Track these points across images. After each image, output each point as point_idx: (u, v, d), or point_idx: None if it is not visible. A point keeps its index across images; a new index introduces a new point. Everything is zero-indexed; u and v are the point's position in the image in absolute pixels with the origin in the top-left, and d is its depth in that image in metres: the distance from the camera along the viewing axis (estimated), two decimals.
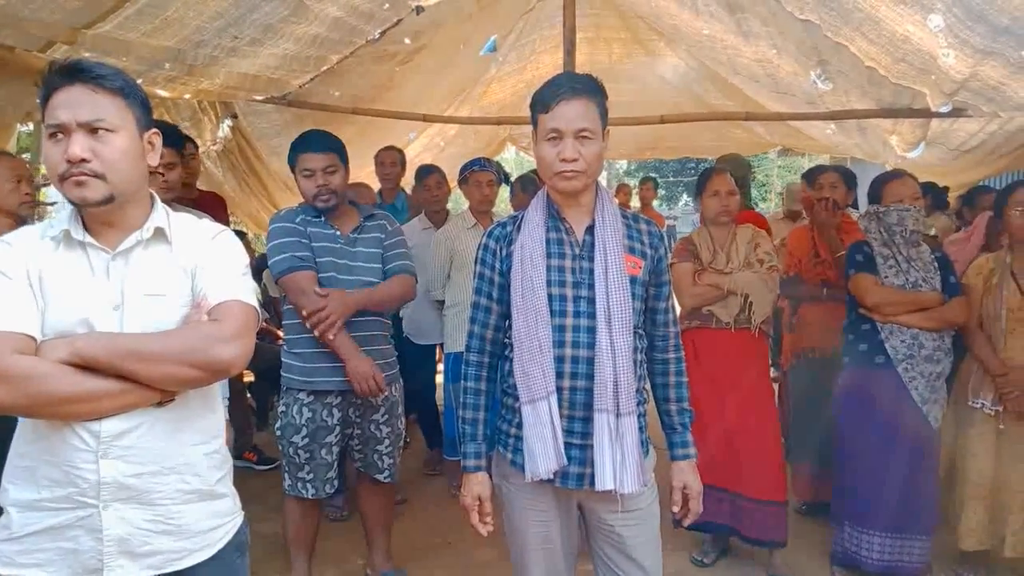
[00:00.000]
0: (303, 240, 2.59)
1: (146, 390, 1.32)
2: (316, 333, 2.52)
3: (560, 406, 1.69)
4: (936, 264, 2.89)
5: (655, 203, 9.10)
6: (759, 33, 3.88)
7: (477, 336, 1.84)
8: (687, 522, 1.89)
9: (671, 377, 1.89)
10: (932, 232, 4.64)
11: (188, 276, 1.42)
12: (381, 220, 2.80)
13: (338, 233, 2.67)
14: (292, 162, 2.68)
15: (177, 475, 1.39)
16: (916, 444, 2.85)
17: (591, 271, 1.71)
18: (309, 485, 2.67)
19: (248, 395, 4.84)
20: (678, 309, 3.16)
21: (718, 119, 4.93)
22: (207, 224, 1.54)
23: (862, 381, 2.91)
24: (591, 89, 1.72)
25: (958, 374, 2.98)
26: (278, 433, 2.69)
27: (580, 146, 1.67)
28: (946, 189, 5.92)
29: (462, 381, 1.87)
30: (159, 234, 1.43)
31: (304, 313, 2.51)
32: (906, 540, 2.89)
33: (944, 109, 3.50)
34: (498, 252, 1.80)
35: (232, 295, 1.41)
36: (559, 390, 1.69)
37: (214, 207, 3.53)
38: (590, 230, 1.75)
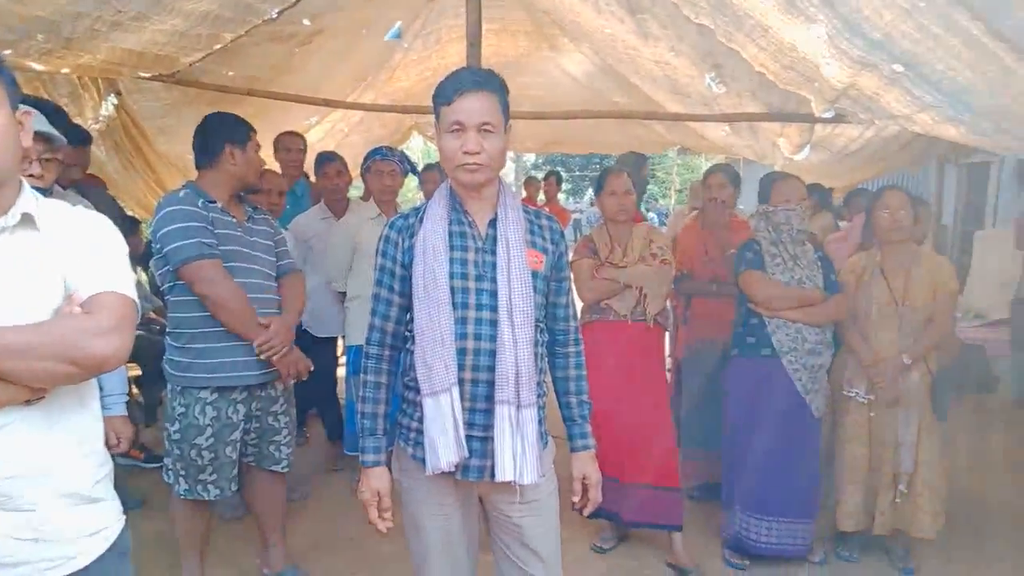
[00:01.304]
0: (208, 226, 2.45)
1: (13, 387, 1.22)
2: (262, 357, 2.52)
3: (462, 398, 1.69)
4: (819, 262, 3.08)
5: (561, 197, 9.24)
6: (658, 35, 3.99)
7: (377, 328, 1.82)
8: (587, 511, 1.93)
9: (571, 371, 1.92)
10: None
11: (58, 266, 1.32)
12: (264, 214, 2.74)
13: (235, 221, 2.57)
14: None
15: (49, 478, 1.29)
16: (800, 432, 3.04)
17: (493, 264, 1.72)
18: (211, 486, 2.56)
19: (134, 390, 4.58)
20: (579, 304, 3.25)
21: (620, 117, 5.05)
22: (81, 211, 1.43)
23: (750, 372, 3.07)
24: (493, 84, 1.72)
25: (834, 366, 3.18)
26: (176, 436, 2.51)
27: (483, 139, 1.67)
28: (830, 190, 6.31)
29: (361, 375, 1.84)
30: (27, 220, 1.32)
31: (257, 346, 2.49)
32: (791, 524, 3.07)
33: (827, 115, 3.70)
34: (400, 244, 1.78)
35: (108, 286, 1.32)
36: (461, 382, 1.69)
37: (93, 189, 3.30)
38: (492, 224, 1.76)
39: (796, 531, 3.07)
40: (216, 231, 2.47)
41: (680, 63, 4.28)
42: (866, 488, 3.11)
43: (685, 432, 3.77)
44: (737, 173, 4.03)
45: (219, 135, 2.56)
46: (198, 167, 2.61)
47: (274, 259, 2.68)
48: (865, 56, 2.82)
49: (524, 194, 8.62)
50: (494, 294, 1.70)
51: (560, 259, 1.84)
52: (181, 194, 2.52)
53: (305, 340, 3.81)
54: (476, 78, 1.71)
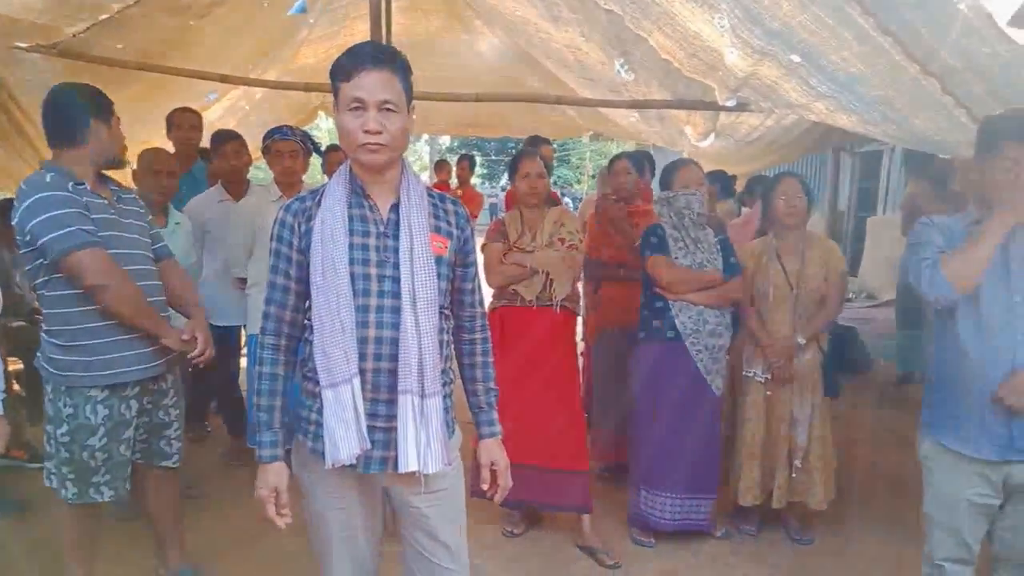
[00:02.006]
0: (84, 212, 2.25)
1: None
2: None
3: (363, 389, 1.63)
4: (719, 246, 3.17)
5: (475, 180, 9.19)
6: (568, 20, 3.99)
7: (274, 317, 1.73)
8: (497, 498, 1.92)
9: (478, 357, 1.90)
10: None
11: None
12: (129, 193, 2.56)
13: (107, 203, 2.39)
14: None
15: None
16: (702, 412, 3.13)
17: (396, 250, 1.66)
18: (105, 488, 2.40)
19: (16, 386, 4.26)
20: (488, 289, 3.23)
21: (531, 100, 5.04)
22: None
23: (655, 354, 3.14)
24: (395, 62, 1.66)
25: (734, 347, 3.29)
26: (64, 439, 2.33)
27: (384, 119, 1.60)
28: (734, 177, 6.52)
29: (257, 366, 1.75)
30: None
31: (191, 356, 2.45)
32: (694, 500, 3.17)
33: (730, 103, 3.79)
34: (296, 228, 1.69)
35: None
36: (362, 372, 1.63)
37: None
38: (395, 208, 1.70)
39: (699, 507, 3.17)
40: (92, 216, 2.29)
41: (590, 48, 4.30)
42: (764, 464, 3.24)
43: (595, 415, 3.84)
44: (643, 160, 4.09)
45: (82, 109, 2.35)
46: (55, 145, 2.37)
47: (150, 242, 2.53)
48: (765, 46, 2.89)
49: (436, 177, 8.52)
50: (396, 280, 1.64)
51: (466, 244, 1.81)
52: (48, 178, 2.27)
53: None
54: (377, 54, 1.64)
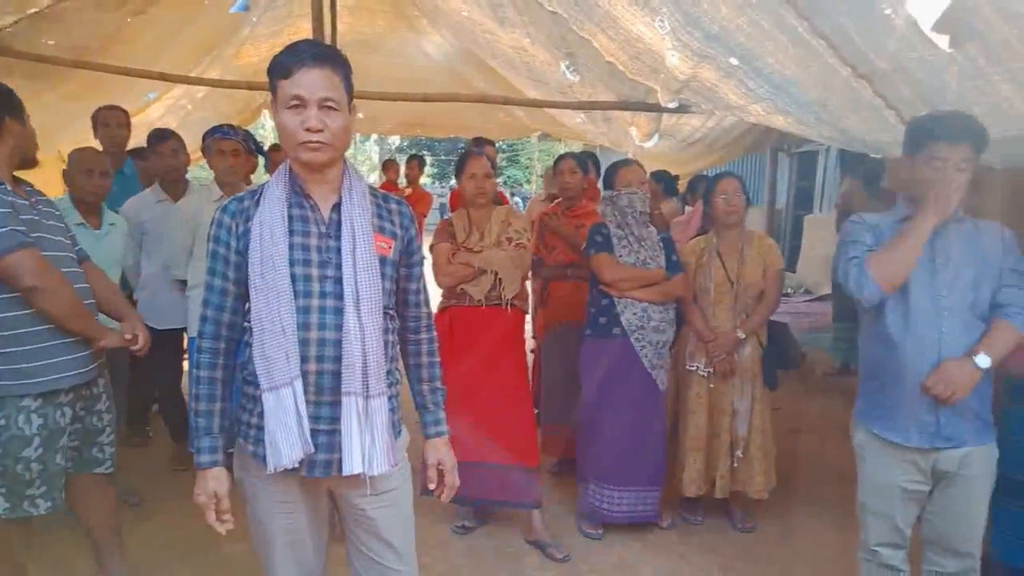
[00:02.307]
0: (12, 212, 2.16)
1: None
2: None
3: (306, 391, 1.62)
4: (661, 244, 3.24)
5: (425, 180, 9.14)
6: (515, 21, 4.01)
7: (211, 320, 1.70)
8: (444, 498, 1.92)
9: (424, 357, 1.90)
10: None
11: None
12: (40, 194, 2.47)
13: (29, 204, 2.30)
14: None
15: None
16: (647, 406, 3.19)
17: (338, 250, 1.64)
18: (41, 500, 2.30)
19: None
20: (437, 290, 3.22)
21: (478, 101, 5.04)
22: None
23: (601, 351, 3.19)
24: (335, 59, 1.64)
25: (677, 342, 3.37)
26: None
27: (325, 116, 1.59)
28: (676, 177, 6.64)
29: (194, 370, 1.71)
30: None
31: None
32: (641, 492, 3.23)
33: (672, 105, 3.87)
34: (234, 229, 1.66)
35: None
36: (304, 375, 1.61)
37: None
38: (337, 207, 1.68)
39: (646, 499, 3.23)
40: (21, 216, 2.20)
41: (536, 50, 4.33)
42: (707, 455, 3.33)
43: (546, 411, 3.87)
44: (586, 160, 4.14)
45: None
46: None
47: (71, 243, 2.45)
48: (704, 49, 2.96)
49: (384, 177, 8.45)
50: (339, 281, 1.63)
51: (410, 244, 1.80)
52: None
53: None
54: (317, 52, 1.62)
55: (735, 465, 3.27)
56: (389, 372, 1.73)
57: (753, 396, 3.26)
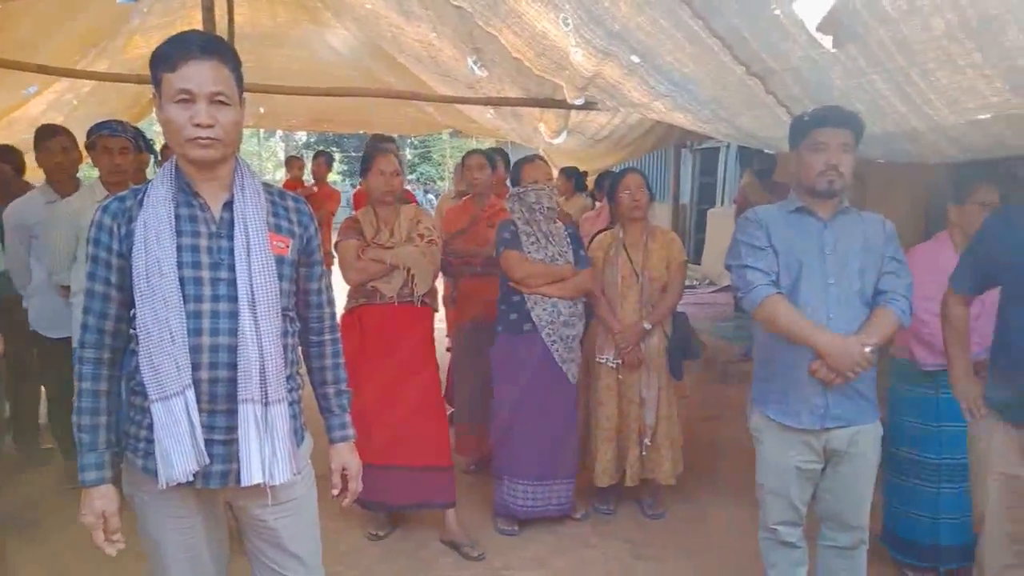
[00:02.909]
0: None
1: None
2: None
3: (199, 400, 1.53)
4: (569, 239, 3.27)
5: (335, 178, 8.93)
6: (420, 15, 3.96)
7: (93, 328, 1.59)
8: (346, 503, 1.87)
9: (327, 360, 1.84)
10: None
11: None
12: None
13: None
14: None
15: None
16: (559, 400, 3.22)
17: (230, 251, 1.57)
18: None
19: None
20: (345, 288, 3.15)
21: (384, 96, 4.96)
22: None
23: (513, 346, 3.20)
24: (224, 51, 1.57)
25: (586, 335, 3.41)
26: None
27: (216, 111, 1.51)
28: (585, 173, 6.75)
29: (76, 382, 1.60)
30: None
31: None
32: (555, 486, 3.26)
33: (578, 102, 3.92)
34: (115, 230, 1.56)
35: None
36: (197, 383, 1.53)
37: None
38: (228, 206, 1.60)
39: (560, 492, 3.27)
40: None
41: (443, 44, 4.29)
42: (617, 445, 3.39)
43: (459, 410, 3.85)
44: (495, 156, 4.14)
45: None
46: None
47: None
48: (607, 46, 3.00)
49: (288, 174, 8.21)
50: (232, 283, 1.55)
51: (310, 243, 1.74)
52: None
53: (38, 343, 3.32)
54: (205, 43, 1.54)
55: (644, 453, 3.35)
56: (290, 377, 1.67)
57: (659, 385, 3.34)
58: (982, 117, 2.23)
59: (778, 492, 2.34)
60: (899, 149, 2.75)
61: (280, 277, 1.61)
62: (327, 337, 1.83)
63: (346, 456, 1.84)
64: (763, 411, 2.32)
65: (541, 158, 3.39)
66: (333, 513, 2.95)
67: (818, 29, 2.16)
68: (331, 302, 1.85)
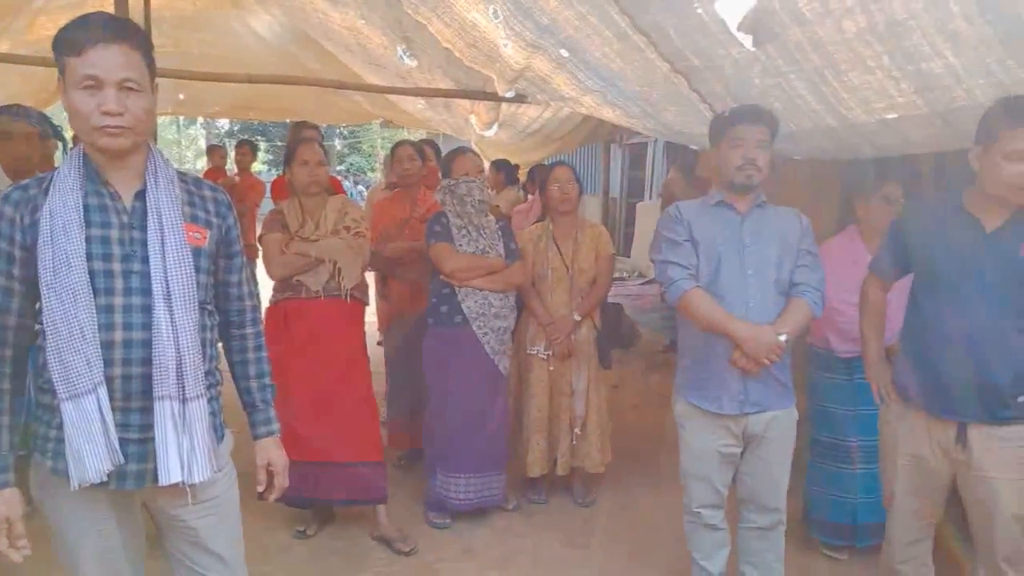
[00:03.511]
0: None
1: None
2: None
3: (112, 398, 1.47)
4: (500, 232, 3.28)
5: (260, 167, 8.66)
6: (347, 1, 3.88)
7: None
8: (272, 498, 1.82)
9: (250, 353, 1.79)
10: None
11: None
12: None
13: None
14: None
15: None
16: (491, 392, 3.23)
17: (144, 242, 1.50)
18: None
19: None
20: (269, 281, 3.07)
21: (309, 84, 4.83)
22: None
23: (444, 340, 3.18)
24: (134, 34, 1.50)
25: (518, 327, 3.43)
26: None
27: (125, 98, 1.45)
28: (517, 166, 6.77)
29: None
30: None
31: None
32: (486, 477, 3.27)
33: (509, 94, 3.92)
34: (18, 221, 1.47)
35: None
36: (109, 380, 1.47)
37: None
38: (141, 195, 1.54)
39: (491, 483, 3.28)
40: None
41: (371, 32, 4.21)
42: (549, 435, 3.43)
43: (391, 403, 3.81)
44: (424, 147, 4.11)
45: None
46: None
47: None
48: (536, 39, 3.01)
49: (209, 163, 7.92)
50: (146, 276, 1.49)
51: (229, 233, 1.69)
52: None
53: None
54: (113, 26, 1.47)
55: (574, 443, 3.40)
56: (209, 372, 1.62)
57: (589, 376, 3.40)
58: (890, 117, 2.35)
59: (701, 476, 2.42)
60: (816, 146, 2.86)
61: (197, 269, 1.56)
62: (248, 331, 1.78)
63: (271, 452, 1.79)
64: (686, 398, 2.40)
65: (473, 151, 3.38)
66: (260, 512, 2.88)
67: (738, 28, 2.23)
68: (252, 295, 1.80)
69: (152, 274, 1.49)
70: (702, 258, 2.30)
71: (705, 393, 2.34)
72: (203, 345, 1.58)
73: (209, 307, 1.65)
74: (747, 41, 2.28)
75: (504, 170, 6.58)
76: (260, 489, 1.80)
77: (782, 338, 2.18)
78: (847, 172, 3.28)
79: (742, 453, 2.39)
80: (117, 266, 1.48)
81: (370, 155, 25.41)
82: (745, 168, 2.25)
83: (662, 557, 3.00)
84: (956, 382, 2.04)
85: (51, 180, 1.50)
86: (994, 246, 1.98)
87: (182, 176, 1.64)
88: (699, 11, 2.33)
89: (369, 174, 25.18)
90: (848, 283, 2.59)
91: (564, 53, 3.00)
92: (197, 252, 1.57)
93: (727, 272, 2.27)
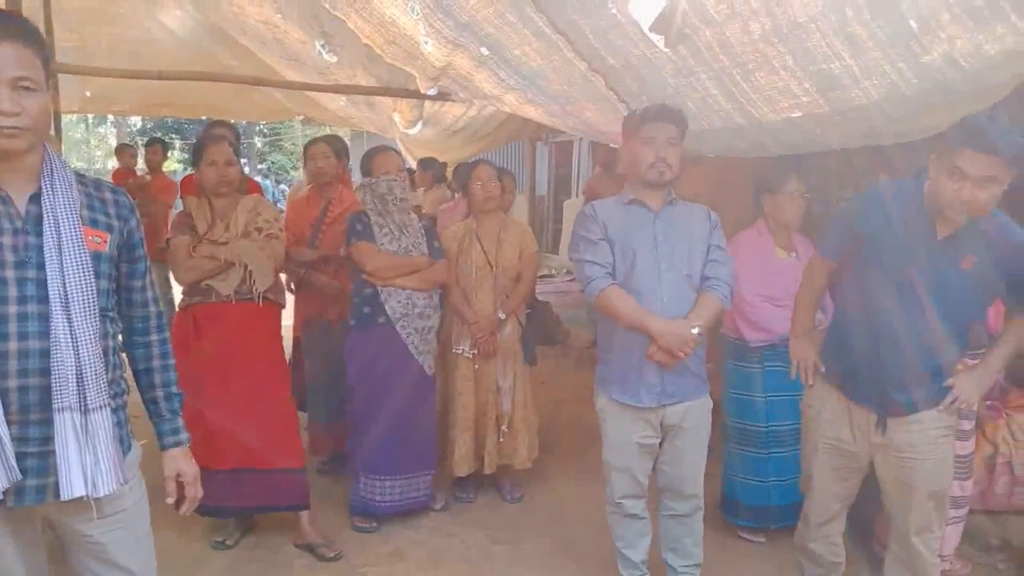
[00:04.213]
0: None
1: None
2: None
3: (7, 411, 1.39)
4: (423, 231, 3.26)
5: (176, 167, 8.33)
6: None
7: None
8: (183, 510, 1.76)
9: (155, 361, 1.72)
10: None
11: None
12: None
13: None
14: None
15: None
16: (416, 392, 3.21)
17: (39, 248, 1.43)
18: None
19: None
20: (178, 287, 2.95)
21: (224, 80, 4.68)
22: None
23: (367, 341, 3.13)
24: (26, 31, 1.43)
25: (442, 326, 3.42)
26: None
27: (21, 98, 1.37)
28: (444, 164, 6.74)
29: None
30: None
31: None
32: (412, 478, 3.24)
33: (431, 92, 3.89)
34: None
35: None
36: (5, 392, 1.39)
37: None
38: (36, 199, 1.46)
39: (418, 484, 3.26)
40: None
41: (288, 27, 4.11)
42: (475, 434, 3.43)
43: (310, 408, 3.72)
44: (345, 144, 4.02)
45: None
46: None
47: None
48: (457, 37, 3.00)
49: (118, 163, 7.57)
50: (42, 283, 1.42)
51: (131, 236, 1.61)
52: None
53: None
54: (5, 23, 1.40)
55: (501, 440, 3.41)
56: (113, 381, 1.55)
57: (515, 372, 3.42)
58: (795, 115, 2.45)
59: (622, 467, 2.48)
60: (727, 144, 2.96)
61: (97, 275, 1.49)
62: (153, 338, 1.71)
63: (180, 462, 1.72)
64: (607, 392, 2.45)
65: (393, 149, 3.34)
66: (176, 524, 2.78)
67: (651, 29, 2.29)
68: (156, 300, 1.74)
69: (49, 281, 1.42)
70: (617, 256, 2.35)
71: (624, 387, 2.40)
72: (105, 353, 1.51)
73: (111, 314, 1.59)
74: (659, 42, 2.34)
75: (430, 168, 6.54)
76: (170, 501, 1.73)
77: (695, 331, 2.25)
78: (756, 168, 3.41)
79: (660, 443, 2.46)
80: (10, 273, 1.41)
81: (292, 153, 24.79)
82: (657, 165, 2.32)
83: (589, 548, 3.05)
84: (875, 374, 2.13)
85: None
86: (939, 255, 2.03)
87: (80, 178, 1.56)
88: (614, 12, 2.37)
89: (292, 173, 24.58)
90: (757, 275, 2.70)
91: (484, 51, 3.00)
92: (97, 257, 1.50)
93: (642, 269, 2.33)
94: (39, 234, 1.44)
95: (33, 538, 1.55)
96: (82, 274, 1.45)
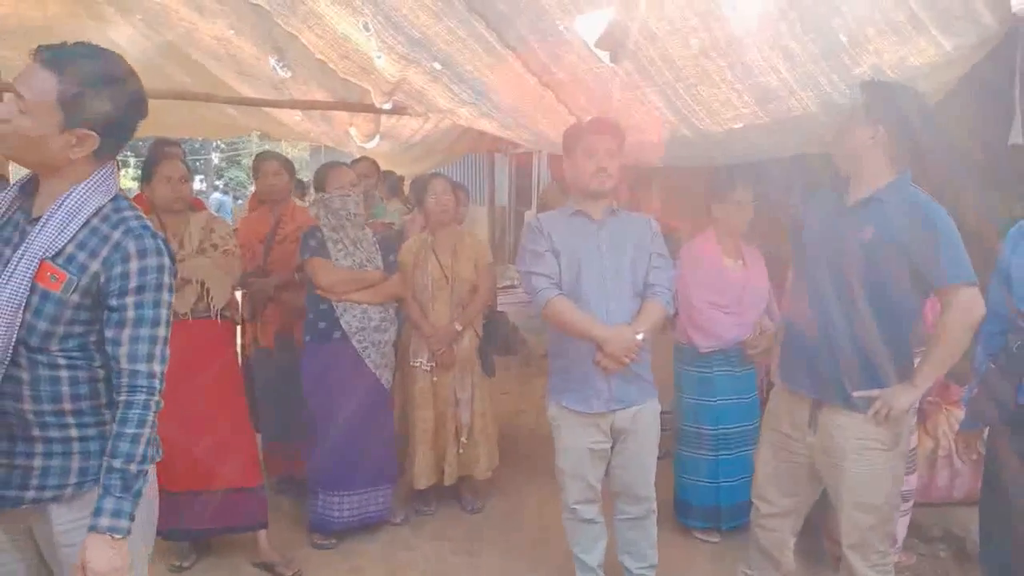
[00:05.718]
0: None
1: None
2: None
3: None
4: (377, 245, 3.27)
5: (129, 185, 8.17)
6: (215, 11, 3.75)
7: None
8: None
9: (110, 425, 1.63)
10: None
11: None
12: None
13: None
14: None
15: None
16: (374, 406, 3.20)
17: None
18: None
19: None
20: None
21: (176, 97, 4.62)
22: None
23: (323, 356, 3.12)
24: None
25: (400, 340, 3.43)
26: None
27: None
28: (402, 178, 6.75)
29: None
30: None
31: None
32: (371, 493, 3.23)
33: (386, 107, 3.90)
34: None
35: None
36: None
37: None
38: (36, 223, 1.49)
39: (377, 498, 3.25)
40: None
41: (242, 42, 4.09)
42: (435, 446, 3.44)
43: (265, 426, 3.66)
44: (289, 161, 4.00)
45: None
46: None
47: None
48: (409, 52, 3.02)
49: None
50: None
51: (110, 283, 1.49)
52: None
53: None
54: None
55: (460, 452, 3.42)
56: (82, 412, 1.54)
57: (473, 384, 3.44)
58: (737, 126, 2.54)
59: (575, 474, 2.52)
60: (675, 155, 3.04)
61: (37, 313, 1.44)
62: (122, 398, 1.53)
63: (89, 551, 1.43)
64: (558, 400, 2.50)
65: (347, 165, 3.35)
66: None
67: (596, 45, 2.35)
68: (134, 358, 1.53)
69: None
70: (563, 266, 2.41)
71: (575, 395, 2.45)
72: (63, 390, 1.51)
73: (75, 354, 1.53)
74: (605, 57, 2.40)
75: (388, 182, 6.53)
76: None
77: (639, 337, 2.32)
78: (711, 177, 3.49)
79: (612, 448, 2.51)
80: None
81: (249, 169, 24.52)
82: (598, 175, 2.40)
83: (549, 555, 3.07)
84: (808, 354, 2.13)
85: None
86: (844, 222, 2.04)
87: (108, 215, 1.53)
88: (561, 28, 2.43)
89: (249, 188, 24.27)
90: (706, 282, 2.77)
91: (437, 66, 3.03)
92: (44, 295, 1.45)
93: (587, 278, 2.39)
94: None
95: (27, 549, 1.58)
96: (10, 307, 1.42)
